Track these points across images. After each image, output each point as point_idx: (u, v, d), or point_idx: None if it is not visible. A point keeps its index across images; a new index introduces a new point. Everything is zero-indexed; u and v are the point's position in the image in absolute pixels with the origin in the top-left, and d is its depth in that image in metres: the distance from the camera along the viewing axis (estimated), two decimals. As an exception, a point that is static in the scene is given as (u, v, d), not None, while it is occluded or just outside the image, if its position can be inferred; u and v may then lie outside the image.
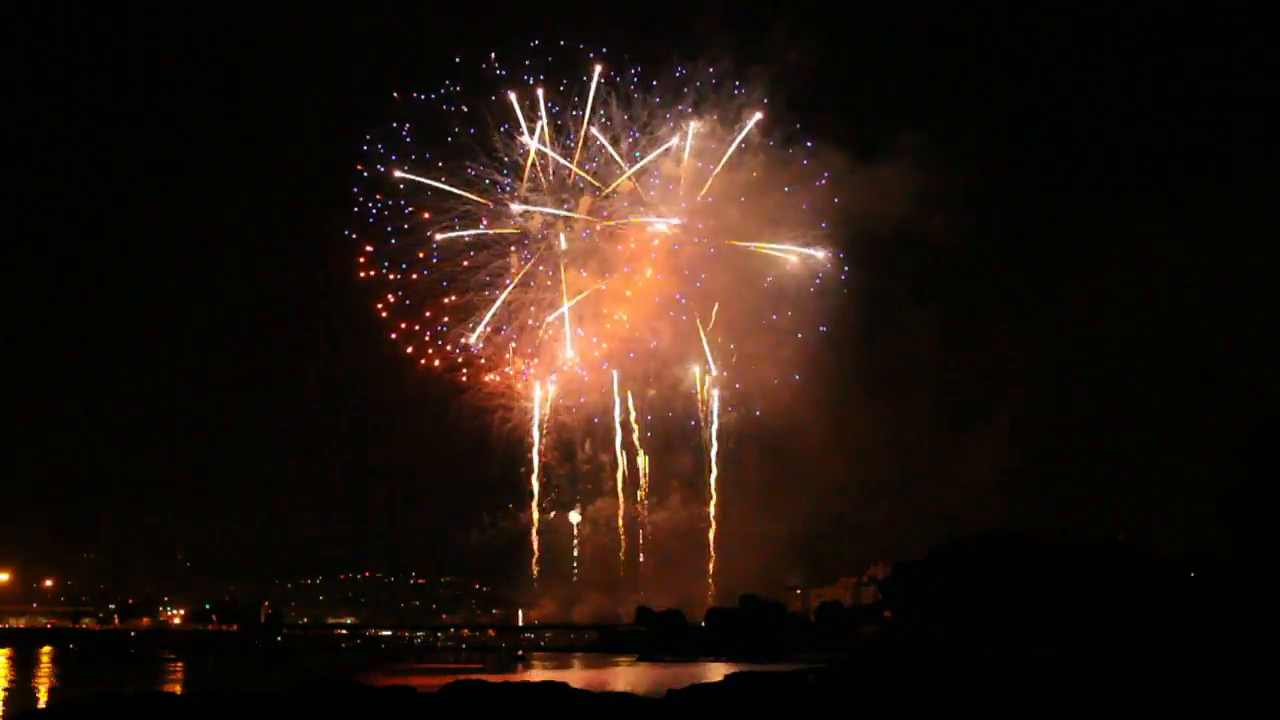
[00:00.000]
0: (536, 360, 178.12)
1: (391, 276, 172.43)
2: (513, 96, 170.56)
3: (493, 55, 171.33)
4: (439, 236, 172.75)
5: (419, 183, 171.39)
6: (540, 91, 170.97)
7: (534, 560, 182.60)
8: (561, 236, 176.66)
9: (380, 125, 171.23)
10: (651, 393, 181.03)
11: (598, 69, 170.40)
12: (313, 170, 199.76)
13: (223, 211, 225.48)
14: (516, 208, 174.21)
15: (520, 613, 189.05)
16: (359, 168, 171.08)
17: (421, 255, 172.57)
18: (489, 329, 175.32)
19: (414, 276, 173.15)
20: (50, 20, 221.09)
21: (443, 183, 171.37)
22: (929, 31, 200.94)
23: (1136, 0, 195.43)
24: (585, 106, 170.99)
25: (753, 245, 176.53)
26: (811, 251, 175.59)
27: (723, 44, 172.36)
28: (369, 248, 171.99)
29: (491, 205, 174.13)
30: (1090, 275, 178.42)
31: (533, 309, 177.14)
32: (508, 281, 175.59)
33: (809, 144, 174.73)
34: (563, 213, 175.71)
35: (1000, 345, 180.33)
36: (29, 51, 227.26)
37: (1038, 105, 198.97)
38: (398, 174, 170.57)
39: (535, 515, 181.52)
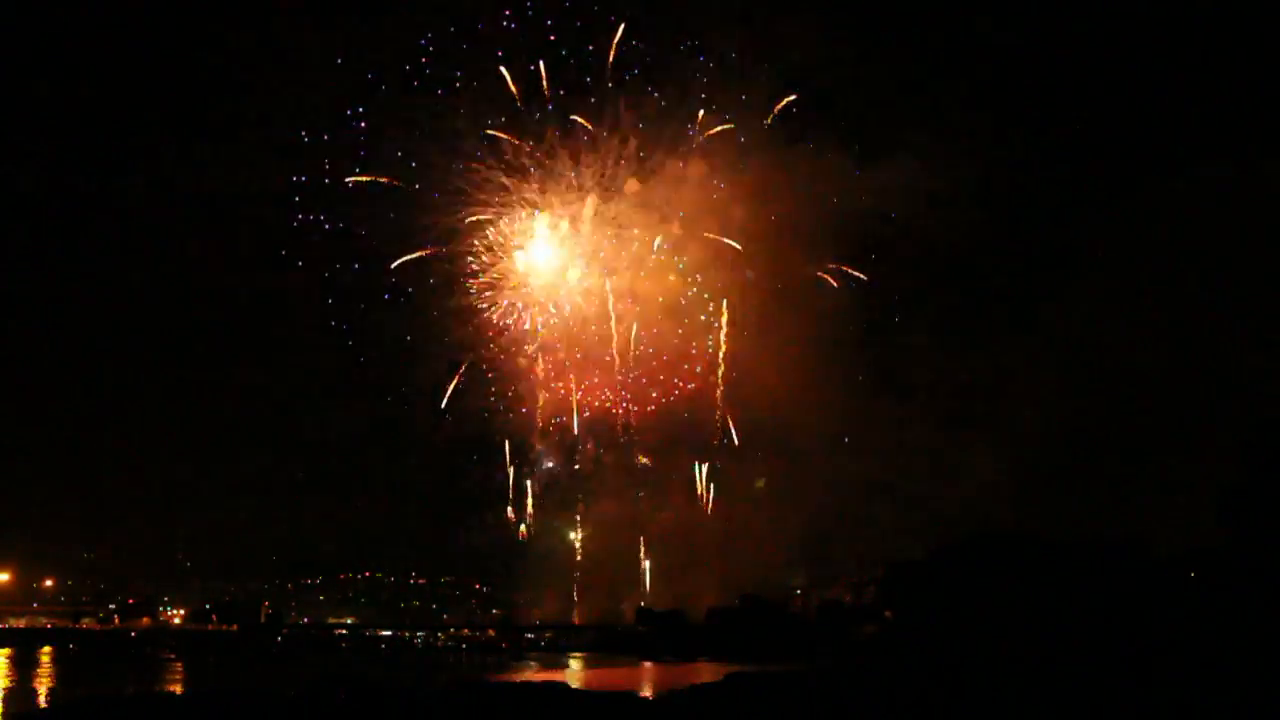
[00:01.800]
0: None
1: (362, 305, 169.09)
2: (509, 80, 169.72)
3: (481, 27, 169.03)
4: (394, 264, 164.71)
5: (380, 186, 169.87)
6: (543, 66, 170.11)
7: (530, 566, 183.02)
8: (570, 271, 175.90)
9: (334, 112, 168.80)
10: (655, 391, 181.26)
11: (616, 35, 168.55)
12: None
13: (211, 215, 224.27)
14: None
15: (520, 612, 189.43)
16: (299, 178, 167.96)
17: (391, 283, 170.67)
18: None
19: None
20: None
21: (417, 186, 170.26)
22: (932, 31, 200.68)
23: (1139, 1, 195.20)
24: (589, 97, 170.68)
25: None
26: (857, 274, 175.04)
27: (731, 43, 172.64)
28: (325, 274, 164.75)
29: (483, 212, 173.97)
30: (1092, 274, 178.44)
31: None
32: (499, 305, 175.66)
33: (810, 143, 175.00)
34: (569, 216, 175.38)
35: (1002, 345, 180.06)
36: None
37: (1041, 104, 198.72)
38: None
39: (527, 523, 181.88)
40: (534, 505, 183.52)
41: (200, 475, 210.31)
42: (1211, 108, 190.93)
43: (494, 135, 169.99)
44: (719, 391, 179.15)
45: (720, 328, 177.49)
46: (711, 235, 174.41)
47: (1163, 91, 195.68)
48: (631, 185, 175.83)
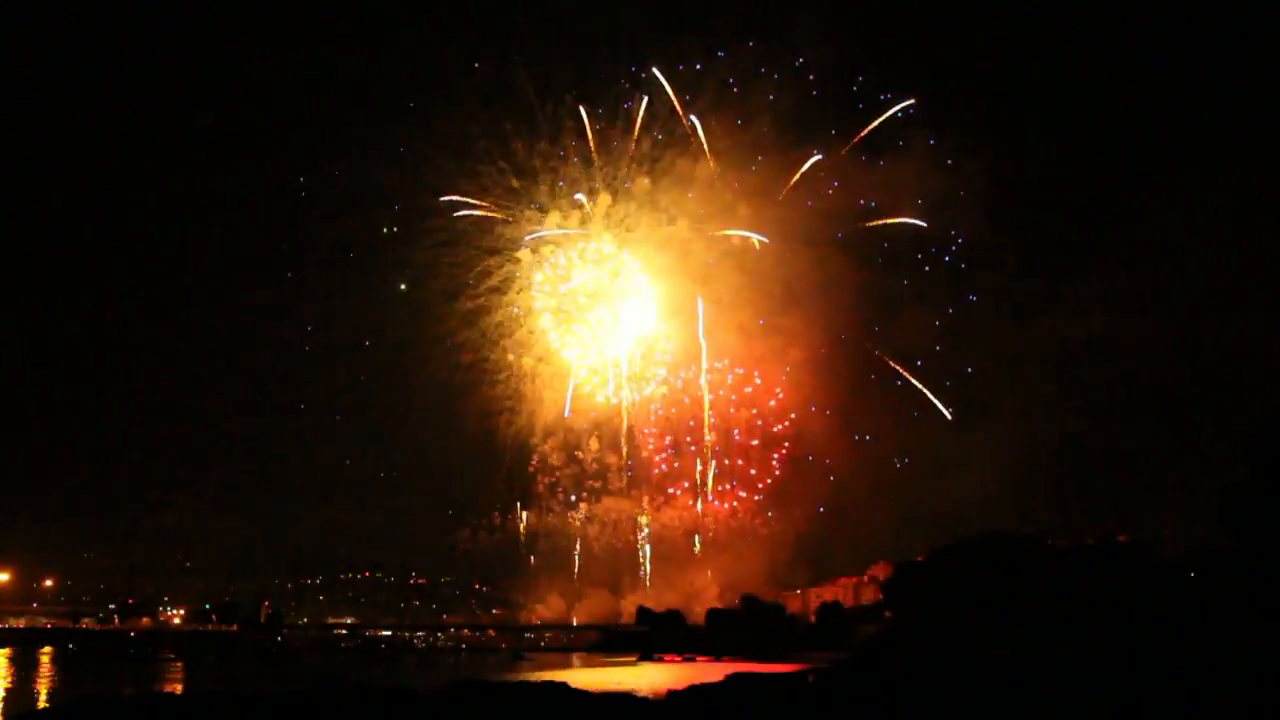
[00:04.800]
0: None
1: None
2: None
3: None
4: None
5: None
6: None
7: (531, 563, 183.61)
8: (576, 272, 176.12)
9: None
10: (663, 390, 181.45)
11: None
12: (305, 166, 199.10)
13: (217, 217, 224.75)
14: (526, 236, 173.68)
15: (520, 612, 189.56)
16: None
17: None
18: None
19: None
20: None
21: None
22: (939, 31, 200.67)
23: (1144, 1, 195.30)
24: (600, 102, 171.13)
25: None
26: None
27: (741, 42, 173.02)
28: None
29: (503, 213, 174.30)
30: (1093, 276, 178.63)
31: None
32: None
33: (818, 142, 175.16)
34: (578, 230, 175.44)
35: (1003, 345, 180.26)
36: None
37: (1045, 104, 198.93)
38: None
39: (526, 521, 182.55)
40: (537, 504, 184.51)
41: (201, 476, 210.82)
42: (1214, 112, 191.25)
43: (505, 135, 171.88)
44: (724, 390, 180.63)
45: (725, 326, 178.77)
46: (731, 232, 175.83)
47: (1166, 95, 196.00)
48: (642, 184, 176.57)
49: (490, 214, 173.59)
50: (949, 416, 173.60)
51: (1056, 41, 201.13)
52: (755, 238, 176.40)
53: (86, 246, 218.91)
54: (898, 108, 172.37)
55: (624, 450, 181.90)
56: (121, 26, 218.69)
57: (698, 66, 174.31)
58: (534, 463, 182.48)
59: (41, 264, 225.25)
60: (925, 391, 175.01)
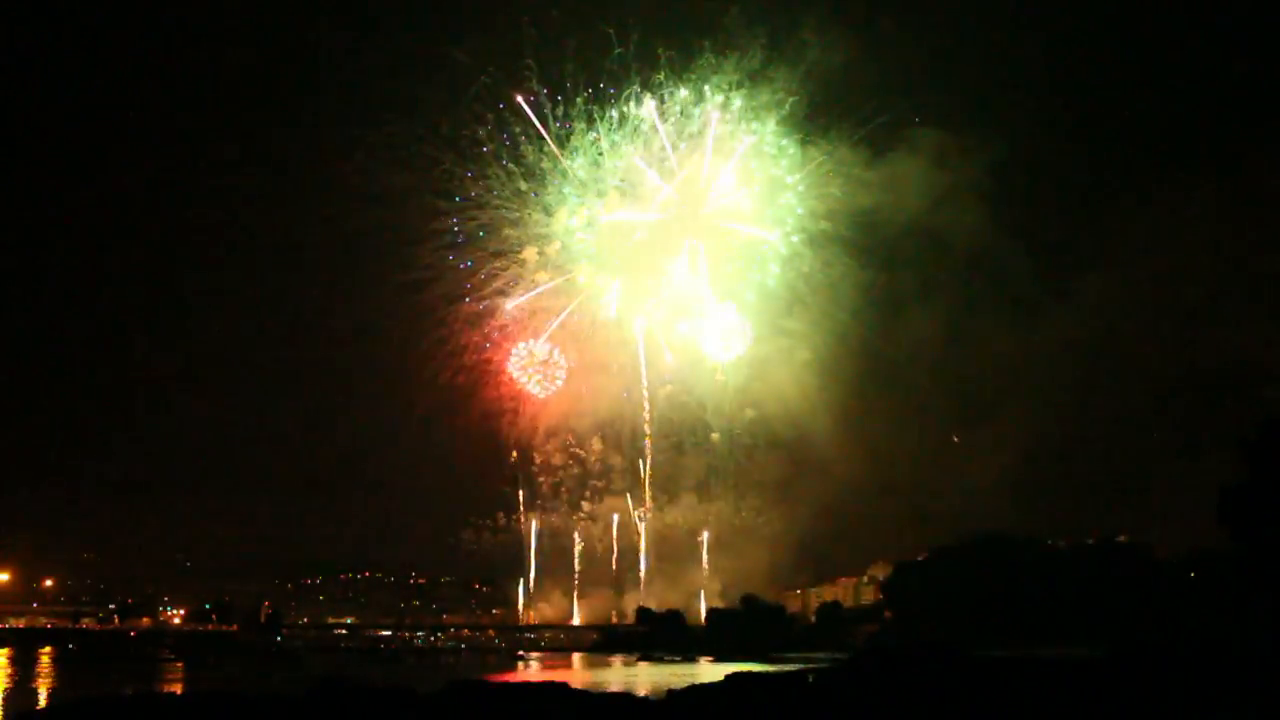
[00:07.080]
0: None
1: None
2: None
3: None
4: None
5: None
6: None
7: (532, 567, 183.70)
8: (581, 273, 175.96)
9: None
10: (666, 388, 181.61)
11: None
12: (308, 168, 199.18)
13: (218, 216, 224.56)
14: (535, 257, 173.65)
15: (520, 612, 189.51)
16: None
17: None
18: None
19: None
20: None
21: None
22: (942, 28, 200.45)
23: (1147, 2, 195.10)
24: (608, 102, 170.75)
25: None
26: None
27: (752, 40, 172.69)
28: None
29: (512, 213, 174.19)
30: (1094, 276, 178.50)
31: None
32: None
33: (823, 142, 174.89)
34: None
35: (1005, 345, 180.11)
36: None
37: (1047, 103, 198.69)
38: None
39: (533, 523, 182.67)
40: (539, 505, 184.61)
41: (201, 476, 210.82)
42: (1216, 113, 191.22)
43: (513, 139, 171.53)
44: (727, 390, 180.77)
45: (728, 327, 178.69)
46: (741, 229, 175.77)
47: (1169, 95, 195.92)
48: (650, 185, 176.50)
49: (496, 217, 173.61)
50: (955, 440, 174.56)
51: (1060, 41, 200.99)
52: (764, 236, 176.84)
53: (86, 245, 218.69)
54: (904, 109, 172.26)
55: (626, 450, 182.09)
56: (120, 24, 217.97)
57: (705, 66, 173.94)
58: (536, 463, 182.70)
59: (41, 263, 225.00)
60: (930, 398, 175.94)
